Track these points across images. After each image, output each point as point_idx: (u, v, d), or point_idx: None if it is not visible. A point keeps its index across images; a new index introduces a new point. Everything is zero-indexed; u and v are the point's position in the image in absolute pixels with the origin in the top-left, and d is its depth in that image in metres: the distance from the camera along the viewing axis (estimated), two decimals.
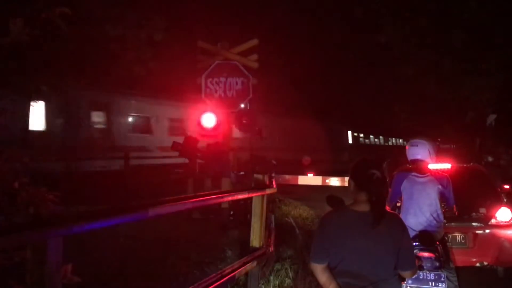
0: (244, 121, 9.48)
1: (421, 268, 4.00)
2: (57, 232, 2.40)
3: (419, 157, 4.47)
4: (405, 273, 2.64)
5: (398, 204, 4.60)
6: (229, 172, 8.93)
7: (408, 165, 4.69)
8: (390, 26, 14.62)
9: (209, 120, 8.24)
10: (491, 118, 16.19)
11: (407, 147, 4.65)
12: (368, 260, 2.51)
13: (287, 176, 12.59)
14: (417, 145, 4.51)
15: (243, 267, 4.67)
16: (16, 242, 2.31)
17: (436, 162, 4.65)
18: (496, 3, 13.13)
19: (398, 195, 4.54)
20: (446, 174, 4.52)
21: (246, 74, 8.70)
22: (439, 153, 4.72)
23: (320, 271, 2.57)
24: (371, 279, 2.50)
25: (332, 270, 2.56)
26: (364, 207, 2.54)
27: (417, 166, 4.48)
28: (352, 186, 2.61)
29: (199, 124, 8.31)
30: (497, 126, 16.19)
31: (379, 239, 2.51)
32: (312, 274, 2.72)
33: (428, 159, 4.46)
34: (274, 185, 7.31)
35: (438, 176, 4.44)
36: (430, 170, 4.48)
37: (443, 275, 4.13)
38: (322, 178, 12.52)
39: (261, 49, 9.25)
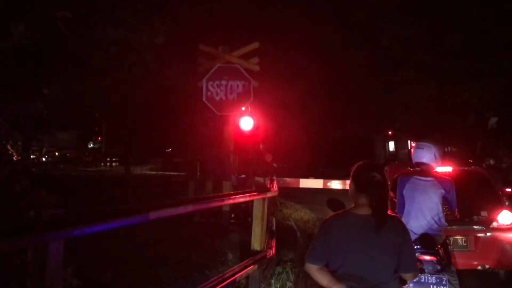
0: None
1: (422, 271, 3.98)
2: (58, 235, 2.39)
3: (424, 160, 4.37)
4: (406, 276, 2.63)
5: None
6: (230, 175, 8.94)
7: (409, 168, 4.66)
8: (391, 30, 14.62)
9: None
10: (493, 121, 16.16)
11: (412, 149, 4.59)
12: (369, 263, 2.50)
13: (288, 179, 12.62)
14: (423, 148, 4.40)
15: (244, 271, 4.67)
16: (17, 245, 2.31)
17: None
18: (497, 7, 13.15)
19: (403, 199, 4.45)
20: (449, 178, 4.43)
21: (247, 77, 8.72)
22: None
23: (315, 272, 2.56)
24: (372, 282, 2.50)
25: (333, 273, 2.55)
26: (365, 211, 2.54)
27: (421, 169, 4.40)
28: (353, 189, 2.61)
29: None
30: (499, 129, 16.17)
31: (380, 242, 2.50)
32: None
33: (433, 163, 4.36)
34: (276, 188, 7.31)
35: (441, 179, 4.35)
36: (433, 174, 4.43)
37: (444, 278, 4.12)
38: (324, 181, 12.56)
39: (262, 51, 9.25)
